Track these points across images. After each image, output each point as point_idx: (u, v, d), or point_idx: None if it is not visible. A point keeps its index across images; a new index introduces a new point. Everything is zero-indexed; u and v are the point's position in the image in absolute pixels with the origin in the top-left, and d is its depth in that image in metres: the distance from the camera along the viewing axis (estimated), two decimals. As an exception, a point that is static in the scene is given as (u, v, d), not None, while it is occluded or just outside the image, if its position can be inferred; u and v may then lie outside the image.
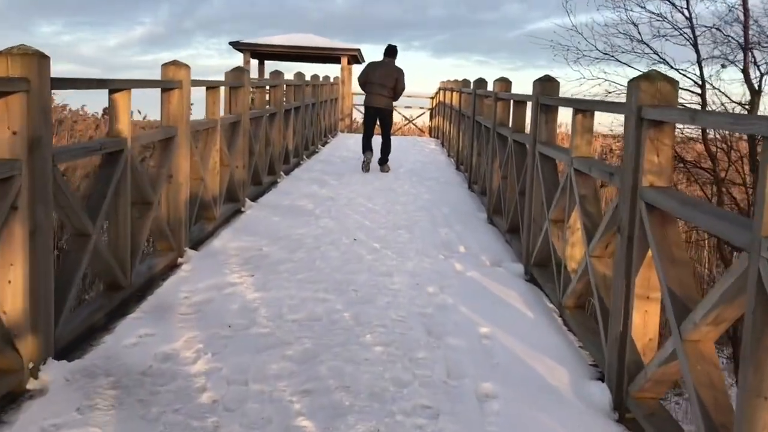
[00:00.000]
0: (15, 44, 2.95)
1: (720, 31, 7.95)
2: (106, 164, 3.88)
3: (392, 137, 10.92)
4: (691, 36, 8.16)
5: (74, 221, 3.44)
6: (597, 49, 9.01)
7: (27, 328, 2.92)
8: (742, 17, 7.74)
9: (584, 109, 4.12)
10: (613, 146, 12.08)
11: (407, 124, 22.00)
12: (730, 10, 7.91)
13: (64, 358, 3.14)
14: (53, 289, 3.12)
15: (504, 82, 7.21)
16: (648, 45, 8.54)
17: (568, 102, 4.74)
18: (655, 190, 2.85)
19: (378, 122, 10.45)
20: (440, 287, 4.59)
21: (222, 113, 6.49)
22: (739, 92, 7.91)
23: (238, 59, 19.66)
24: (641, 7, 8.68)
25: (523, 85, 7.57)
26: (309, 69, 16.01)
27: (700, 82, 7.94)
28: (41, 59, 2.97)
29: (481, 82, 9.26)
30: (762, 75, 7.75)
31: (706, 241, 7.39)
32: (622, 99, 7.63)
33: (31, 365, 2.93)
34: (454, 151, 12.23)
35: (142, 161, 8.44)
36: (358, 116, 20.63)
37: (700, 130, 7.74)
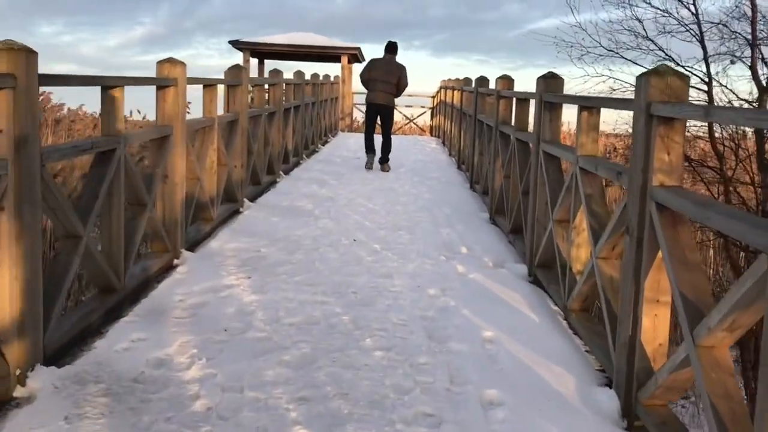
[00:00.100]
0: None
1: (727, 27, 7.82)
2: (98, 164, 3.77)
3: (393, 136, 10.83)
4: (698, 32, 8.03)
5: (64, 222, 3.33)
6: (601, 46, 8.89)
7: (14, 333, 2.81)
8: (749, 13, 7.62)
9: (590, 106, 4.01)
10: (617, 145, 11.95)
11: (408, 123, 21.89)
12: (737, 6, 7.80)
13: (54, 364, 3.04)
14: (42, 292, 3.02)
15: (506, 80, 7.12)
16: (653, 41, 8.42)
17: (573, 99, 4.63)
18: (666, 190, 2.74)
19: (378, 120, 10.36)
20: (442, 289, 4.49)
21: (222, 112, 6.39)
22: (746, 89, 7.81)
23: (238, 59, 19.55)
24: (646, 3, 8.56)
25: (523, 83, 7.49)
26: (309, 68, 15.94)
27: (706, 79, 7.82)
28: (29, 55, 2.87)
29: (482, 80, 9.16)
30: (770, 71, 7.63)
31: (712, 242, 7.27)
32: (627, 96, 7.57)
33: (18, 372, 2.83)
34: (455, 150, 12.12)
35: (140, 161, 8.34)
36: (359, 115, 20.54)
37: (706, 128, 7.62)
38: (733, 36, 7.74)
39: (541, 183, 4.83)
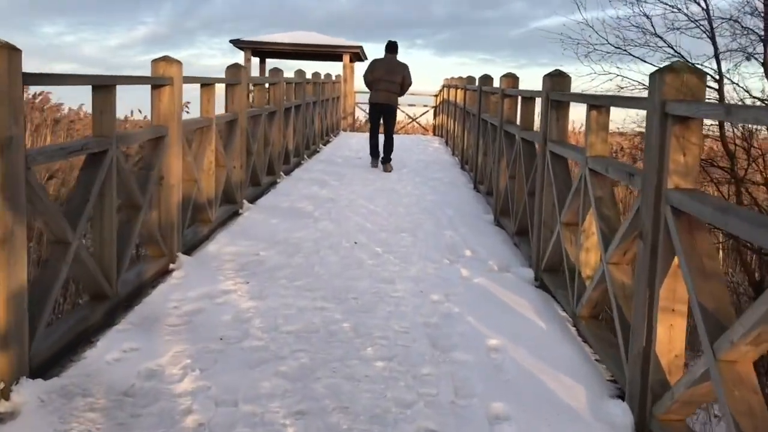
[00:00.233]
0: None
1: (738, 22, 7.63)
2: (89, 165, 3.63)
3: (395, 136, 10.70)
4: (708, 28, 7.85)
5: (52, 228, 3.20)
6: (609, 43, 8.70)
7: (-3, 344, 2.68)
8: (761, 8, 7.43)
9: (599, 104, 3.86)
10: (624, 144, 11.78)
11: (411, 122, 21.74)
12: (748, 1, 7.62)
13: (40, 376, 2.90)
14: (27, 301, 2.88)
15: (511, 78, 6.97)
16: (662, 38, 8.22)
17: (581, 97, 4.48)
18: (682, 193, 2.59)
19: (381, 119, 10.24)
20: (445, 294, 4.34)
21: (222, 111, 6.25)
22: (757, 87, 7.64)
23: (240, 59, 19.42)
24: None
25: (527, 82, 7.34)
26: (311, 67, 15.82)
27: (717, 77, 7.64)
28: (11, 52, 2.73)
29: (486, 79, 9.00)
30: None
31: (721, 245, 7.10)
32: (636, 94, 7.41)
33: (1, 385, 2.69)
34: (458, 149, 11.97)
35: (138, 161, 8.20)
36: (361, 115, 20.40)
37: (716, 126, 7.44)
38: (745, 32, 7.56)
39: (548, 184, 4.69)
